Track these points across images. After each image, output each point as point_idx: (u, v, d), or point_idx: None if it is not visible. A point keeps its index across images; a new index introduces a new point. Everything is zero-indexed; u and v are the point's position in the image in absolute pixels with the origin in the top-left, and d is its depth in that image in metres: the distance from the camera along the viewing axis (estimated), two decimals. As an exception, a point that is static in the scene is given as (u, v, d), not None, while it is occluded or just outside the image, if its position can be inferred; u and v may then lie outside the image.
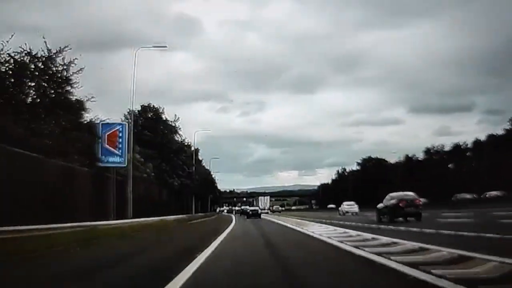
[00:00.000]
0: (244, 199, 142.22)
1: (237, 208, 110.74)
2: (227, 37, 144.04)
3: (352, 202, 49.64)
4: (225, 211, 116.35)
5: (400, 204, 23.55)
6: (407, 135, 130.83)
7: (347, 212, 46.05)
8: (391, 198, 24.73)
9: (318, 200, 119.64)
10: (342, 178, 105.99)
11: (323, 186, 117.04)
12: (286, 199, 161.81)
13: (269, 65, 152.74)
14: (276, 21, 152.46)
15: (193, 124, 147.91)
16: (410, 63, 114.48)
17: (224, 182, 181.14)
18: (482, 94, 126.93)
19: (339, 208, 51.88)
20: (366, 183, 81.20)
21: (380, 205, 25.73)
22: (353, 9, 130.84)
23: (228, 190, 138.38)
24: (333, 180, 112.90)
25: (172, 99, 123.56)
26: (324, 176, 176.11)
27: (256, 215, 51.48)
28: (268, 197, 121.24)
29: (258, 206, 79.79)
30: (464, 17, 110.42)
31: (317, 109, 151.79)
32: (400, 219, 23.26)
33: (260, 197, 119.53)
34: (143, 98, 57.31)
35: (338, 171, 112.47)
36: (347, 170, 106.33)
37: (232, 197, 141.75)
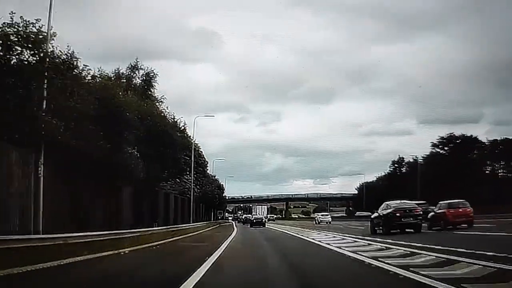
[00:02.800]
0: (242, 205, 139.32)
1: (237, 216, 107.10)
2: (246, 50, 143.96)
3: (326, 213, 63.05)
4: (230, 218, 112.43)
5: (397, 214, 21.33)
6: (418, 145, 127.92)
7: (321, 221, 54.15)
8: (387, 207, 22.46)
9: (357, 205, 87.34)
10: (396, 172, 79.04)
11: (367, 187, 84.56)
12: (306, 206, 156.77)
13: (286, 76, 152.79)
14: (293, 35, 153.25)
15: (214, 135, 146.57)
16: (421, 75, 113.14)
17: (242, 190, 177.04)
18: (490, 105, 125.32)
19: (315, 218, 61.33)
20: (448, 173, 57.15)
21: (374, 215, 23.46)
22: (367, 23, 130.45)
23: (245, 197, 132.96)
24: (383, 177, 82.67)
25: (194, 110, 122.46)
26: (337, 184, 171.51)
27: (260, 223, 51.73)
28: (265, 206, 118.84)
29: (260, 215, 79.23)
30: (473, 29, 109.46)
31: (332, 120, 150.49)
32: (398, 230, 21.10)
33: (257, 206, 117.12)
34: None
35: (393, 162, 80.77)
36: (405, 160, 77.71)
37: (247, 202, 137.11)
